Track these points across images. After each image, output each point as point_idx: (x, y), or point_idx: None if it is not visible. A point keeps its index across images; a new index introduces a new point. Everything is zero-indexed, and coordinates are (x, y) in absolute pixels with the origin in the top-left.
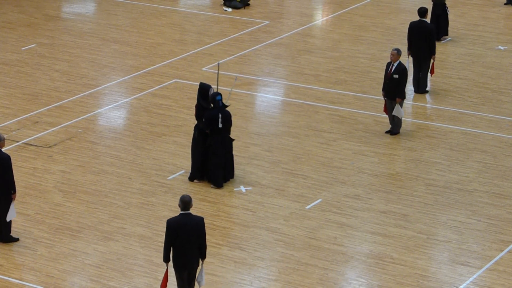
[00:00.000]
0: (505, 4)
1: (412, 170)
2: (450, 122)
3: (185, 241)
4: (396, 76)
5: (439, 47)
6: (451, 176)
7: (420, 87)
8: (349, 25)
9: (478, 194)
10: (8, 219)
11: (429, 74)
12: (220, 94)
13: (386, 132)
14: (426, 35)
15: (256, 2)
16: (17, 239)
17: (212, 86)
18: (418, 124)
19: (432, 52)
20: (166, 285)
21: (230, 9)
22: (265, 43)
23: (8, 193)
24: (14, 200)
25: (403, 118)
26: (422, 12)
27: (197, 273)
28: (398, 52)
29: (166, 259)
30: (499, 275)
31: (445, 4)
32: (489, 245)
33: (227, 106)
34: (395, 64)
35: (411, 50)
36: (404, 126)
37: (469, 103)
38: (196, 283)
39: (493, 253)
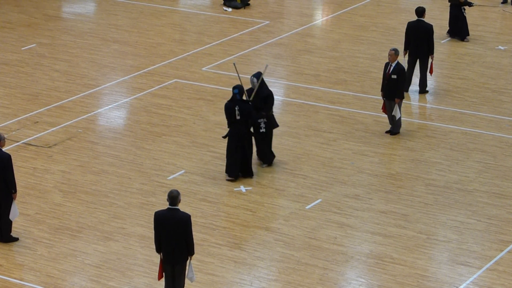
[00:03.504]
0: (501, 3)
1: (412, 170)
2: (450, 122)
3: (170, 236)
4: (394, 76)
5: (440, 47)
6: (451, 176)
7: (421, 87)
8: (349, 25)
9: (478, 194)
10: (11, 219)
11: (428, 74)
12: (237, 88)
13: (386, 132)
14: (425, 34)
15: (256, 2)
16: (16, 239)
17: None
18: (418, 124)
19: (430, 52)
20: (162, 275)
21: (230, 9)
22: (265, 43)
23: (9, 192)
24: (15, 199)
25: (403, 118)
26: (419, 11)
27: (187, 269)
28: (396, 52)
29: (156, 250)
30: (499, 275)
31: (461, 4)
32: (489, 245)
33: (249, 101)
34: (393, 64)
35: (409, 50)
36: (404, 126)
37: (469, 103)
38: (187, 280)
39: (493, 253)
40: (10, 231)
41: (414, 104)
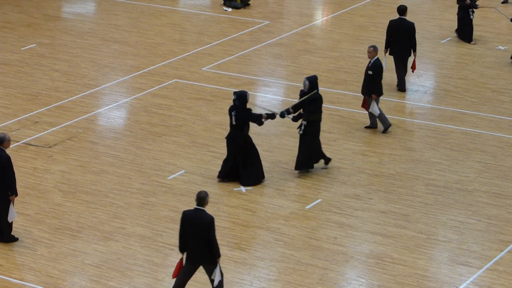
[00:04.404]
0: (502, 3)
1: (412, 170)
2: (450, 122)
3: (193, 235)
4: (370, 72)
5: (440, 47)
6: (451, 176)
7: (400, 86)
8: (349, 25)
9: (478, 194)
10: (9, 220)
11: (410, 71)
12: (236, 94)
13: (366, 127)
14: (407, 33)
15: (256, 2)
16: (16, 239)
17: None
18: (418, 124)
19: (413, 49)
20: (177, 275)
21: (230, 9)
22: (265, 43)
23: (8, 193)
24: (12, 202)
25: (401, 118)
26: (401, 10)
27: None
28: (374, 49)
29: (179, 249)
30: (499, 275)
31: (469, 8)
32: (489, 245)
33: (249, 109)
34: (372, 61)
35: (391, 48)
36: (404, 126)
37: (469, 103)
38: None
39: (493, 253)
40: (11, 231)
41: (414, 104)
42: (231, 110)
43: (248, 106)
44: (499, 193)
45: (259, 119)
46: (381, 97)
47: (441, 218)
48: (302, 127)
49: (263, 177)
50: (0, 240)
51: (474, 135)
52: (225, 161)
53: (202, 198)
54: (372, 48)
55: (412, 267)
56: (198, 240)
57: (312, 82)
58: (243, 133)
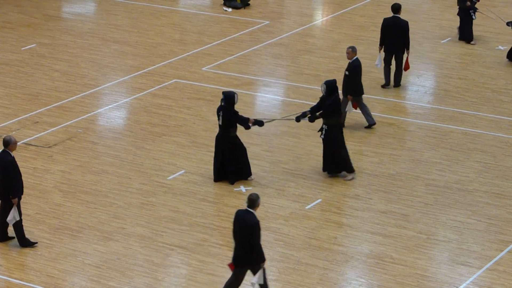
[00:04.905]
0: None
1: (412, 170)
2: (450, 122)
3: (236, 236)
4: (346, 72)
5: (440, 47)
6: (451, 176)
7: (395, 81)
8: (349, 25)
9: (478, 194)
10: (9, 222)
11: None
12: (224, 94)
13: (366, 127)
14: (401, 31)
15: (256, 2)
16: (35, 243)
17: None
18: (418, 124)
19: (406, 48)
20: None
21: (230, 9)
22: (265, 43)
23: (12, 195)
24: (15, 204)
25: (398, 117)
26: (395, 8)
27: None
28: (353, 50)
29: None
30: (499, 275)
31: (469, 9)
32: (489, 245)
33: (235, 111)
34: (350, 62)
35: (385, 46)
36: (404, 126)
37: (469, 103)
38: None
39: (493, 253)
40: (24, 234)
41: (414, 104)
42: (218, 110)
43: (249, 106)
44: (499, 193)
45: (246, 123)
46: (380, 97)
47: (441, 218)
48: (323, 132)
49: (249, 174)
50: (2, 240)
51: (474, 135)
52: (214, 160)
53: (252, 200)
54: (350, 49)
55: (412, 267)
56: (241, 241)
57: (330, 86)
58: (229, 135)
